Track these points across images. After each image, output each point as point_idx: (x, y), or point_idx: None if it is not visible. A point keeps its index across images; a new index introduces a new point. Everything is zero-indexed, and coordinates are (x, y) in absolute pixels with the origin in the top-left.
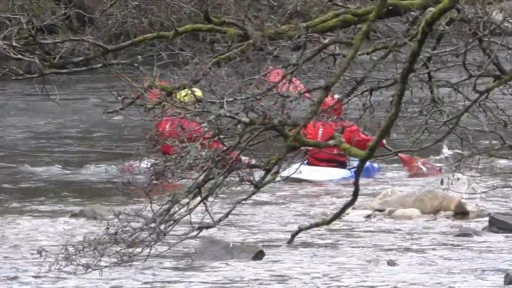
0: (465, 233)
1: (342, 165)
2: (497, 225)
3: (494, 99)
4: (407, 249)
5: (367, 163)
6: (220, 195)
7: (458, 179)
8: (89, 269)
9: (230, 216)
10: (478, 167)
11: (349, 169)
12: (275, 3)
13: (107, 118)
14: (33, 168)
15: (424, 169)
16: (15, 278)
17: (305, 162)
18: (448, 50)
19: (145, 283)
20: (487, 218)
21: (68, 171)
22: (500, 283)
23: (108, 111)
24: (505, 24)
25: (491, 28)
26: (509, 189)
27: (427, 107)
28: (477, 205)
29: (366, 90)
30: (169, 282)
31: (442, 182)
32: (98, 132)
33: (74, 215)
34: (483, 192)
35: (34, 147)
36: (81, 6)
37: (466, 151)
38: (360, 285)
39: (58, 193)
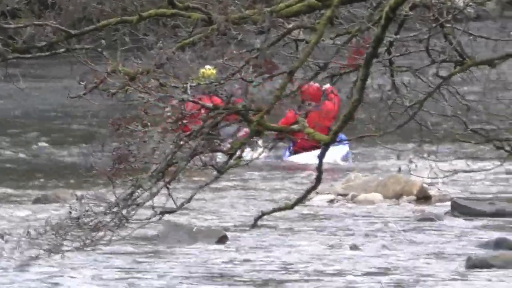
0: (427, 218)
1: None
2: (459, 209)
3: (454, 84)
4: (370, 234)
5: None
6: (184, 180)
7: (416, 165)
8: (52, 253)
9: (194, 201)
10: (440, 152)
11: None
12: None
13: (71, 103)
14: None
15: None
16: None
17: (290, 151)
18: (411, 35)
19: (108, 267)
20: (449, 203)
21: (32, 156)
22: (462, 267)
23: (71, 95)
24: (468, 10)
25: (454, 13)
26: (471, 173)
27: (388, 93)
28: (439, 190)
29: (328, 76)
30: (132, 266)
31: (399, 170)
32: (62, 116)
33: (37, 199)
34: (445, 177)
35: None
36: None
37: (426, 137)
38: (323, 269)
39: (21, 178)
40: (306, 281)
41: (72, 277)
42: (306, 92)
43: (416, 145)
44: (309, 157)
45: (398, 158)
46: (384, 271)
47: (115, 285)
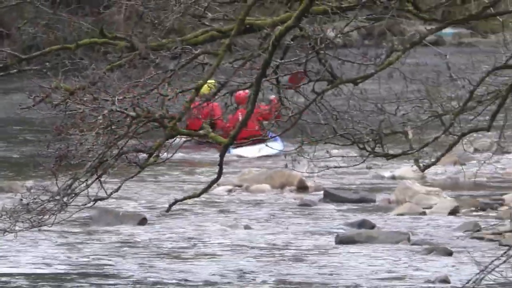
0: (305, 204)
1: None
2: (330, 197)
3: (328, 99)
4: (260, 216)
5: (279, 140)
6: (112, 174)
7: (299, 162)
8: (6, 232)
9: (121, 190)
10: (317, 152)
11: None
12: (156, 22)
13: (21, 113)
14: None
15: None
16: None
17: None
18: (292, 60)
19: (50, 244)
20: (322, 192)
21: None
22: (332, 242)
23: (22, 107)
24: (337, 40)
25: (326, 42)
26: (340, 169)
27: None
28: (315, 182)
29: (228, 92)
30: (70, 243)
31: (286, 166)
32: (15, 123)
33: None
34: (319, 172)
35: None
36: (1, 22)
37: (306, 139)
38: (222, 244)
39: None
40: (210, 253)
41: (20, 251)
42: (238, 97)
43: (297, 147)
44: (261, 147)
45: (285, 157)
46: (271, 246)
47: (56, 258)
